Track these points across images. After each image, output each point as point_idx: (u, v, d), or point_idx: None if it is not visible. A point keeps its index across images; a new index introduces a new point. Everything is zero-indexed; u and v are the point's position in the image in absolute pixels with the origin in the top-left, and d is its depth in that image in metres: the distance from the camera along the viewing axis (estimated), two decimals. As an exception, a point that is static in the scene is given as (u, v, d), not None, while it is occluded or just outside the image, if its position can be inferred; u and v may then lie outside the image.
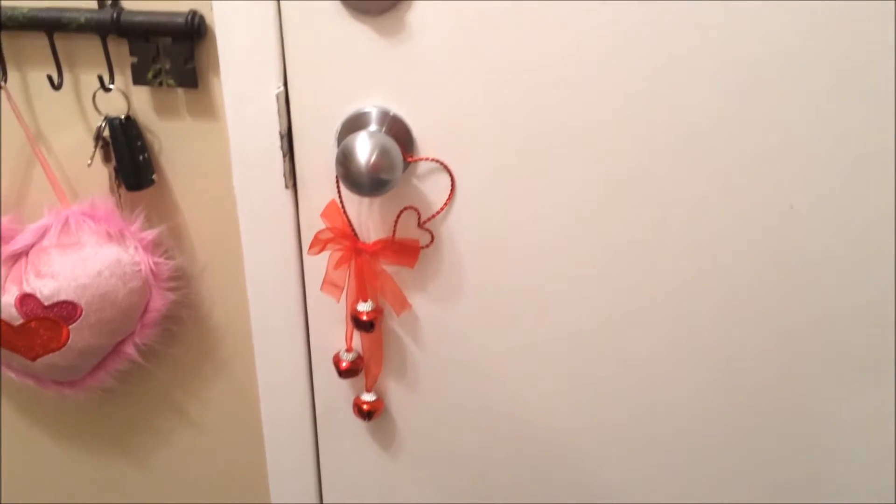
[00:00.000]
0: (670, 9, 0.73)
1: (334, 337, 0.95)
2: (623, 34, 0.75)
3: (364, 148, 0.76)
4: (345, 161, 0.77)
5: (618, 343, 0.90)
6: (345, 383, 0.97)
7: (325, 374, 0.97)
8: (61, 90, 0.83)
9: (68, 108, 0.85)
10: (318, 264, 0.89)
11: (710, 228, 0.83)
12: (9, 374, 0.94)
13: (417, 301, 0.92)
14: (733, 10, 0.73)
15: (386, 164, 0.77)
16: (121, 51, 0.81)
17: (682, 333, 0.88)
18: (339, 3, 0.78)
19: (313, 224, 0.88)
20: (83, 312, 0.86)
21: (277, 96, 0.82)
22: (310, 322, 0.95)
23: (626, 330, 0.89)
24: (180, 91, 0.83)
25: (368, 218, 0.88)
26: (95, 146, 0.84)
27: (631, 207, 0.83)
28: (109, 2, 0.80)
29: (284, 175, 0.85)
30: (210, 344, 0.98)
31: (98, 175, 0.87)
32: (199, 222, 0.91)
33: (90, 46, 0.81)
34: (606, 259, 0.86)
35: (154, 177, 0.86)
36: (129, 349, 0.92)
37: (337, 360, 0.94)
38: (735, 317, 0.87)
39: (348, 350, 0.93)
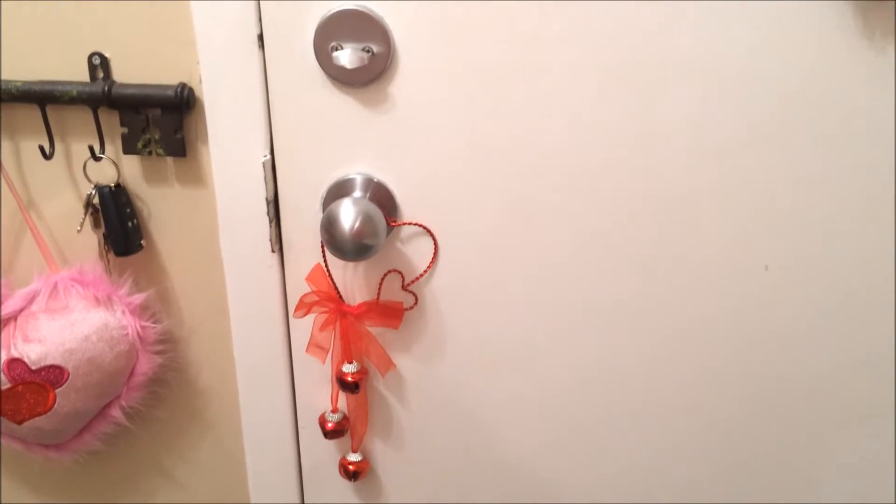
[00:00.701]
0: (648, 74, 0.76)
1: (320, 397, 0.96)
2: (605, 101, 0.78)
3: (348, 214, 0.78)
4: (329, 227, 0.79)
5: (600, 398, 0.92)
6: (331, 444, 0.98)
7: (312, 434, 0.98)
8: (52, 159, 0.85)
9: (59, 177, 0.87)
10: (303, 326, 0.91)
11: (690, 288, 0.85)
12: (-7, 439, 0.94)
13: (402, 361, 0.93)
14: (714, 76, 0.76)
15: (369, 230, 0.79)
16: (111, 121, 0.83)
17: (663, 387, 0.90)
18: (323, 75, 0.80)
19: (299, 287, 0.90)
20: (70, 376, 0.87)
21: (264, 164, 0.84)
22: (296, 383, 0.96)
23: (608, 385, 0.91)
24: (169, 159, 0.85)
25: (353, 281, 0.89)
26: (85, 213, 0.86)
27: (612, 268, 0.85)
28: (101, 75, 0.82)
29: (271, 240, 0.87)
30: (197, 406, 0.99)
31: (88, 241, 0.89)
32: (187, 286, 0.92)
33: (81, 117, 0.84)
34: (588, 317, 0.88)
35: (143, 242, 0.88)
36: (116, 412, 0.93)
37: (323, 421, 0.95)
38: (716, 372, 0.88)
39: (334, 411, 0.94)
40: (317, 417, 0.96)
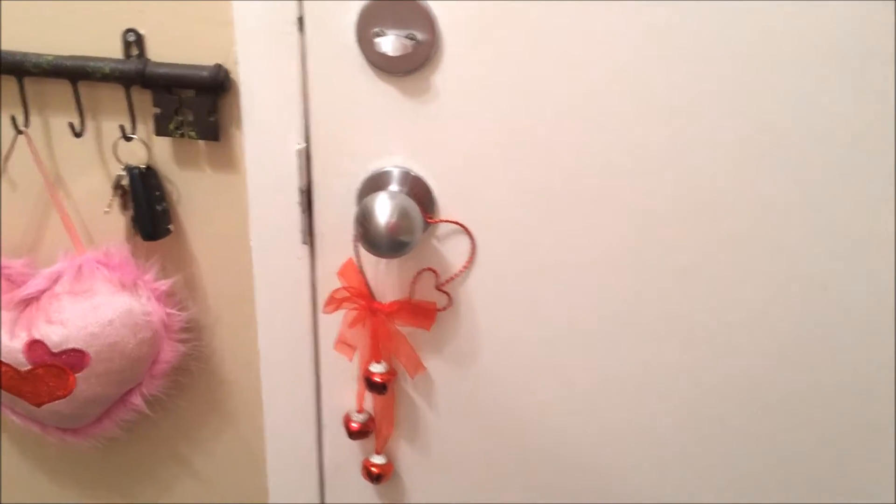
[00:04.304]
0: (689, 76, 0.71)
1: (345, 396, 0.93)
2: (651, 102, 0.73)
3: (384, 208, 0.74)
4: (364, 221, 0.75)
5: (635, 403, 0.87)
6: (354, 444, 0.95)
7: (335, 433, 0.95)
8: (82, 137, 0.82)
9: (88, 156, 0.85)
10: (331, 322, 0.87)
11: (729, 293, 0.80)
12: (12, 419, 0.92)
13: (431, 363, 0.90)
14: (759, 80, 0.71)
15: (406, 226, 0.75)
16: (143, 100, 0.80)
17: (700, 391, 0.85)
18: (364, 62, 0.77)
19: (329, 281, 0.86)
20: (91, 361, 0.84)
21: (299, 152, 0.80)
22: (321, 380, 0.93)
23: (642, 390, 0.86)
24: (202, 142, 0.82)
25: (385, 278, 0.86)
26: (114, 194, 0.83)
27: (650, 271, 0.80)
28: (136, 52, 0.79)
29: (302, 231, 0.84)
30: (218, 396, 0.96)
31: (115, 223, 0.86)
32: (214, 273, 0.89)
33: (113, 96, 0.81)
34: (625, 321, 0.83)
35: (171, 227, 0.85)
36: (136, 399, 0.91)
37: (347, 421, 0.92)
38: (753, 376, 0.83)
39: (359, 411, 0.91)
40: (341, 416, 0.93)
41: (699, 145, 0.74)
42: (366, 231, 0.75)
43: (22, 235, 0.89)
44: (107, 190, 0.86)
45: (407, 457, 0.95)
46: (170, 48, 0.79)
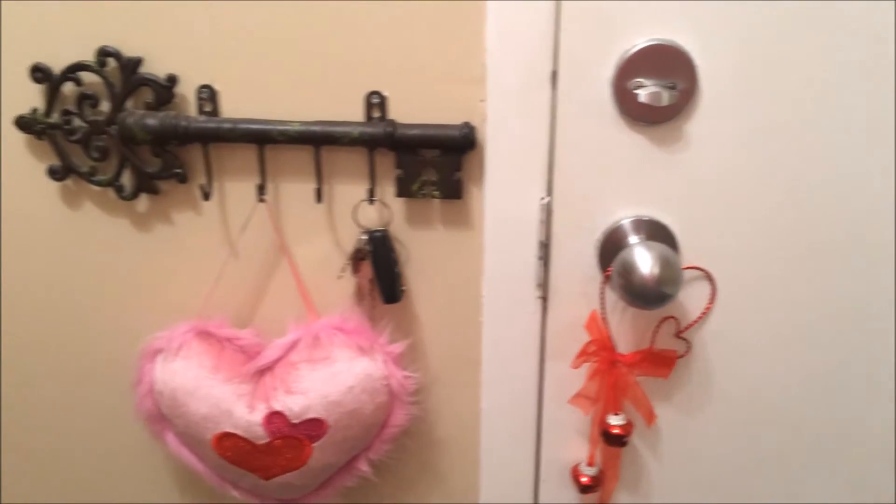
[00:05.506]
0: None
1: (564, 450, 0.91)
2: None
3: (649, 260, 0.74)
4: (626, 273, 0.74)
5: (878, 461, 0.85)
6: (572, 499, 0.93)
7: (552, 488, 0.93)
8: (314, 203, 0.82)
9: (318, 221, 0.83)
10: (555, 375, 0.87)
11: None
12: (232, 494, 0.89)
13: (660, 412, 0.88)
14: None
15: (671, 277, 0.74)
16: (383, 162, 0.80)
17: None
18: (616, 113, 0.76)
19: (559, 334, 0.86)
20: (329, 430, 0.82)
21: (543, 206, 0.79)
22: (541, 434, 0.91)
23: (884, 446, 0.85)
24: (436, 201, 0.81)
25: (620, 327, 0.85)
26: (352, 258, 0.81)
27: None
28: (377, 115, 0.78)
29: (539, 284, 0.83)
30: (432, 456, 0.94)
31: (337, 287, 0.85)
32: (438, 333, 0.88)
33: (350, 159, 0.80)
34: (869, 377, 0.82)
35: (405, 288, 0.84)
36: (362, 465, 0.89)
37: (577, 475, 0.90)
38: None
39: (590, 464, 0.89)
40: (558, 471, 0.91)
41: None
42: (628, 283, 0.74)
43: (240, 305, 0.87)
44: (332, 255, 0.84)
45: (627, 508, 0.93)
46: (411, 108, 0.78)
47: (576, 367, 0.83)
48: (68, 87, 0.80)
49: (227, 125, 0.77)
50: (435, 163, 0.78)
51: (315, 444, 0.83)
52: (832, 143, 0.75)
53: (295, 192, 0.82)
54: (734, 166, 0.77)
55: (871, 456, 0.86)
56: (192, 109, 0.80)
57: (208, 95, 0.79)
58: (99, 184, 0.83)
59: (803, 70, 0.73)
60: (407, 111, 0.79)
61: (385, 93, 0.78)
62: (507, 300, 0.85)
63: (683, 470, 0.91)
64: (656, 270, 0.74)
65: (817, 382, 0.84)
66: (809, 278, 0.81)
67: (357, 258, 0.82)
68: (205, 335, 0.85)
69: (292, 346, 0.84)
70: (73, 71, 0.79)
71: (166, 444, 0.88)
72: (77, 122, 0.81)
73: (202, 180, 0.82)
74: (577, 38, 0.74)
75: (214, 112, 0.80)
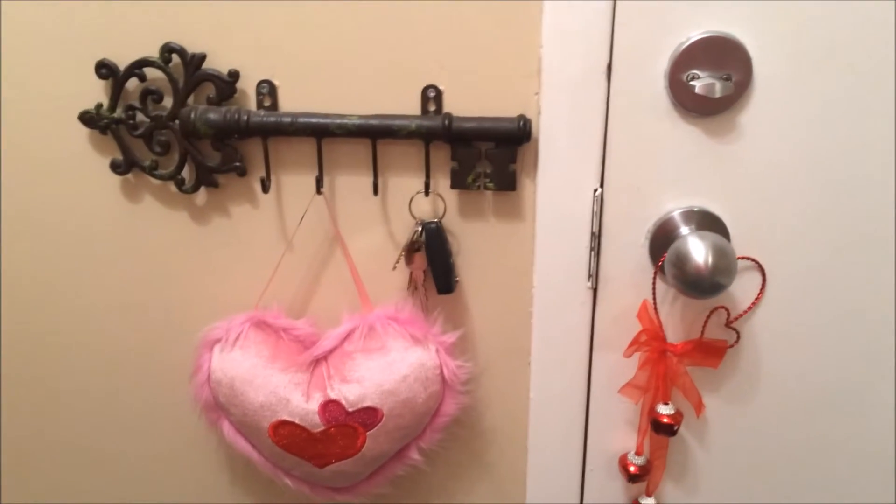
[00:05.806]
0: None
1: (612, 440, 0.92)
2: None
3: (705, 250, 0.75)
4: (680, 263, 0.75)
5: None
6: (617, 488, 0.94)
7: (599, 478, 0.95)
8: (368, 195, 0.84)
9: (373, 213, 0.85)
10: (603, 365, 0.88)
11: None
12: (285, 482, 0.91)
13: (708, 401, 0.89)
14: None
15: (726, 267, 0.75)
16: (438, 155, 0.81)
17: None
18: (669, 104, 0.78)
19: (608, 324, 0.87)
20: (383, 418, 0.84)
21: (596, 197, 0.81)
22: (589, 424, 0.92)
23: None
24: (488, 193, 0.83)
25: (670, 316, 0.86)
26: (406, 250, 0.83)
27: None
28: (433, 108, 0.80)
29: (591, 274, 0.84)
30: (481, 445, 0.95)
31: (389, 278, 0.86)
32: (488, 323, 0.89)
33: (404, 152, 0.82)
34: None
35: (458, 279, 0.85)
36: (413, 454, 0.90)
37: (625, 464, 0.91)
38: None
39: (638, 453, 0.90)
40: (606, 460, 0.93)
41: None
42: (682, 273, 0.75)
43: (296, 296, 0.89)
44: (385, 246, 0.86)
45: (673, 498, 0.94)
46: (466, 101, 0.80)
47: (628, 356, 0.84)
48: (132, 83, 0.82)
49: (287, 119, 0.78)
50: (490, 155, 0.80)
51: (369, 433, 0.84)
52: (885, 136, 0.76)
53: (351, 184, 0.84)
54: (786, 158, 0.78)
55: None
56: (251, 104, 0.82)
57: (268, 90, 0.81)
58: (160, 178, 0.85)
59: (857, 62, 0.74)
60: (461, 104, 0.80)
61: (441, 86, 0.79)
62: (557, 291, 0.86)
63: (730, 460, 0.91)
64: (711, 260, 0.74)
65: (867, 372, 0.85)
66: (859, 269, 0.81)
67: (411, 249, 0.83)
68: (262, 325, 0.86)
69: (347, 336, 0.85)
70: (138, 67, 0.81)
71: (222, 433, 0.89)
72: (140, 116, 0.83)
73: (261, 174, 0.83)
74: (633, 32, 0.75)
75: (273, 106, 0.81)
